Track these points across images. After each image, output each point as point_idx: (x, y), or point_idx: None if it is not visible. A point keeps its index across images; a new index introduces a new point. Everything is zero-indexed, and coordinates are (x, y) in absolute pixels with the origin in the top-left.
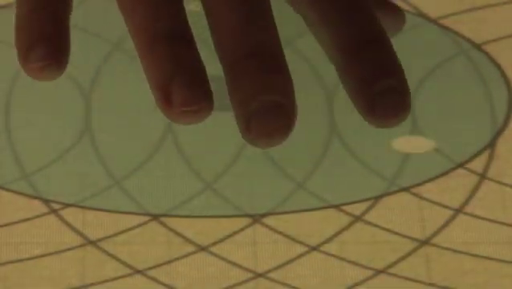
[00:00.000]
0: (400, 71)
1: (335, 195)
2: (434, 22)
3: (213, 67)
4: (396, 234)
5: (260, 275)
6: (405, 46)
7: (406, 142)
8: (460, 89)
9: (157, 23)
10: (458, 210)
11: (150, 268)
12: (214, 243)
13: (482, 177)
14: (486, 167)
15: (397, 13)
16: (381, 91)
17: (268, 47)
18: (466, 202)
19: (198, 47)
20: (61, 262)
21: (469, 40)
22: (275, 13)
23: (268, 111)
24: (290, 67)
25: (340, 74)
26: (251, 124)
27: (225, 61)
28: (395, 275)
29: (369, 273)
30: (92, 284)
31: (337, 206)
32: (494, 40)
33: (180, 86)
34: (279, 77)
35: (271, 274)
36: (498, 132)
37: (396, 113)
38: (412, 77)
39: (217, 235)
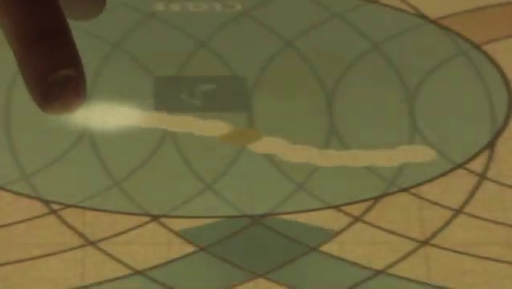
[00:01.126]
0: (77, 61)
1: (334, 195)
2: (434, 22)
3: (215, 68)
4: (396, 234)
5: (260, 276)
6: (405, 46)
7: (405, 150)
8: (460, 89)
9: None
10: (458, 210)
11: (150, 268)
12: (214, 244)
13: (482, 177)
14: (486, 167)
15: None
16: (56, 81)
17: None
18: (466, 202)
19: (201, 50)
20: (61, 262)
21: (468, 40)
22: (275, 13)
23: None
24: (290, 67)
25: (18, 65)
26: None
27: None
28: (394, 276)
29: (369, 273)
30: (92, 284)
31: (337, 207)
32: (494, 40)
33: None
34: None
35: (271, 275)
36: (498, 133)
37: (71, 101)
38: (411, 77)
39: (217, 236)
